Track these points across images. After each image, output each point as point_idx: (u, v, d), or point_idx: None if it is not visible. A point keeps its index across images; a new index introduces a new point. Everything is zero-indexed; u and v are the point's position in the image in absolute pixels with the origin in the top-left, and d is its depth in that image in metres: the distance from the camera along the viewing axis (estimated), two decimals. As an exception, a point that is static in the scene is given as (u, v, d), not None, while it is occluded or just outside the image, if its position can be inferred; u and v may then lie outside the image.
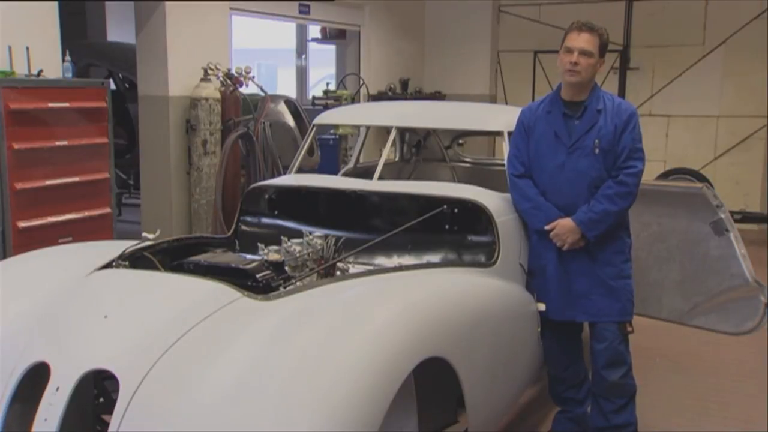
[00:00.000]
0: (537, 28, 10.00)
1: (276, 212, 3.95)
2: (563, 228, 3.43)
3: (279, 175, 6.08)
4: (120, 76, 8.70)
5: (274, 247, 3.35)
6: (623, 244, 3.53)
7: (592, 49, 3.37)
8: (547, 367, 3.76)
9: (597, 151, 3.39)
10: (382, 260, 3.62)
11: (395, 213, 3.69)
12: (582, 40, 3.38)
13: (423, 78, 10.38)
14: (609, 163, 3.41)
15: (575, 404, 3.75)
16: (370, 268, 3.46)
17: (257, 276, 2.79)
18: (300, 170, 4.48)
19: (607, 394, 3.51)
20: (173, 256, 3.28)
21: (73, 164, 4.95)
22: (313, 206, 3.92)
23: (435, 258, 3.60)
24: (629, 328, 3.51)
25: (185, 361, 2.29)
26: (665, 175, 8.56)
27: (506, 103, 10.17)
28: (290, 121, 6.42)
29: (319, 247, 3.41)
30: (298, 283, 2.89)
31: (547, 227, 3.47)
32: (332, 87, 8.69)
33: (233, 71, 6.45)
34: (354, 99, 8.58)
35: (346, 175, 4.91)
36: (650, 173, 3.61)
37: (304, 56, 10.79)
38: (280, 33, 12.15)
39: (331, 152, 7.63)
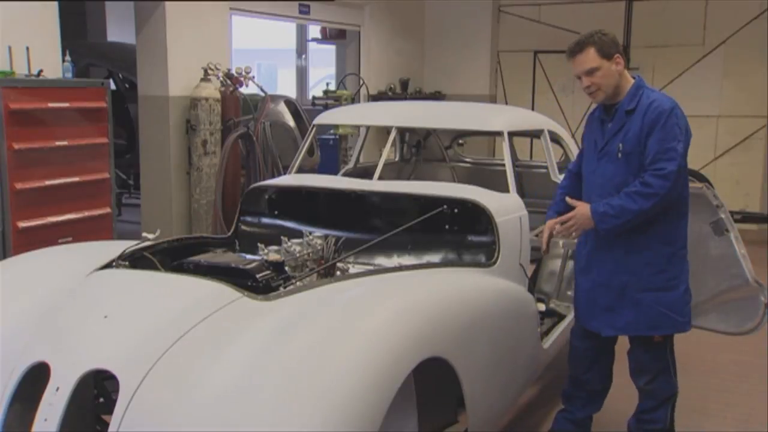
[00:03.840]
0: (537, 28, 10.00)
1: (276, 212, 3.95)
2: (579, 211, 3.29)
3: (279, 175, 6.08)
4: (120, 76, 8.71)
5: (274, 247, 3.35)
6: (655, 255, 3.29)
7: (593, 65, 3.22)
8: (568, 366, 3.72)
9: (620, 155, 3.25)
10: (382, 260, 3.62)
11: (395, 213, 3.69)
12: (579, 63, 3.25)
13: (423, 78, 10.38)
14: (634, 167, 3.22)
15: (579, 406, 3.69)
16: (370, 268, 3.46)
17: (257, 276, 2.79)
18: (300, 170, 4.48)
19: (640, 394, 3.53)
20: (173, 256, 3.28)
21: (73, 164, 4.95)
22: (313, 206, 3.93)
23: (435, 258, 3.59)
24: (657, 338, 3.38)
25: (185, 361, 2.29)
26: (665, 175, 8.55)
27: (506, 103, 10.18)
28: (290, 121, 6.42)
29: (319, 247, 3.41)
30: (298, 283, 2.88)
31: (570, 201, 3.37)
32: (332, 87, 8.69)
33: (233, 71, 6.46)
34: (354, 99, 8.58)
35: (346, 175, 4.91)
36: (650, 173, 3.52)
37: (304, 56, 10.79)
38: (280, 33, 12.16)
39: (331, 152, 7.64)
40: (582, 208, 3.30)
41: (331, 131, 7.71)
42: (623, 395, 3.83)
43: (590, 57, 3.22)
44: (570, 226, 3.34)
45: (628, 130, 3.24)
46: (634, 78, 3.36)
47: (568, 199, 3.43)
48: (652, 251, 3.30)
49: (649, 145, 3.17)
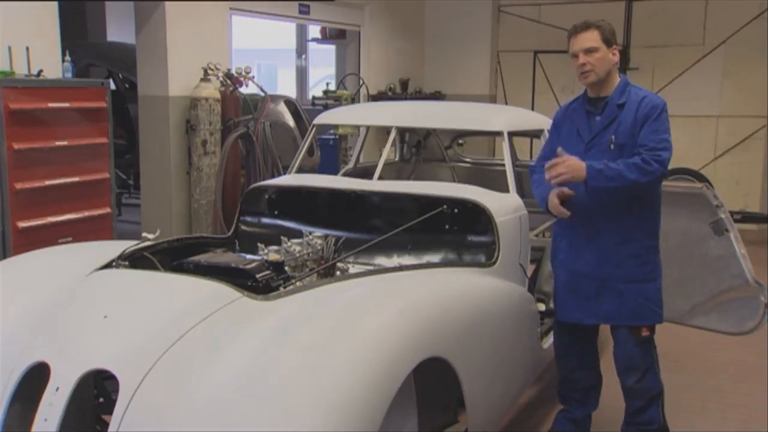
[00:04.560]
0: (537, 28, 10.00)
1: (276, 212, 3.95)
2: (572, 160, 3.22)
3: (279, 175, 6.08)
4: (120, 76, 8.70)
5: (274, 247, 3.35)
6: (640, 247, 3.37)
7: (594, 44, 3.31)
8: (557, 367, 3.74)
9: (612, 146, 3.30)
10: (382, 260, 3.63)
11: (395, 213, 3.69)
12: (581, 41, 3.34)
13: (423, 78, 10.38)
14: (628, 157, 3.25)
15: (577, 405, 3.72)
16: (370, 268, 3.46)
17: (257, 276, 2.79)
18: (300, 170, 4.48)
19: (628, 396, 3.52)
20: (173, 256, 3.28)
21: (73, 164, 4.95)
22: (313, 206, 3.93)
23: (435, 258, 3.60)
24: (645, 332, 3.41)
25: (185, 361, 2.29)
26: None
27: (506, 103, 10.18)
28: (290, 121, 6.42)
29: (319, 247, 3.41)
30: (298, 283, 2.89)
31: (558, 156, 3.25)
32: (332, 87, 8.69)
33: (233, 71, 6.46)
34: (354, 99, 8.58)
35: (346, 175, 4.91)
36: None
37: (304, 56, 10.79)
38: (280, 33, 12.17)
39: (331, 152, 7.64)
40: (576, 160, 3.23)
41: (331, 131, 7.71)
42: (621, 394, 3.82)
43: (593, 37, 3.34)
44: (560, 173, 3.22)
45: (621, 123, 3.33)
46: (620, 77, 3.45)
47: (559, 150, 3.29)
48: (637, 243, 3.38)
49: (642, 134, 3.27)
